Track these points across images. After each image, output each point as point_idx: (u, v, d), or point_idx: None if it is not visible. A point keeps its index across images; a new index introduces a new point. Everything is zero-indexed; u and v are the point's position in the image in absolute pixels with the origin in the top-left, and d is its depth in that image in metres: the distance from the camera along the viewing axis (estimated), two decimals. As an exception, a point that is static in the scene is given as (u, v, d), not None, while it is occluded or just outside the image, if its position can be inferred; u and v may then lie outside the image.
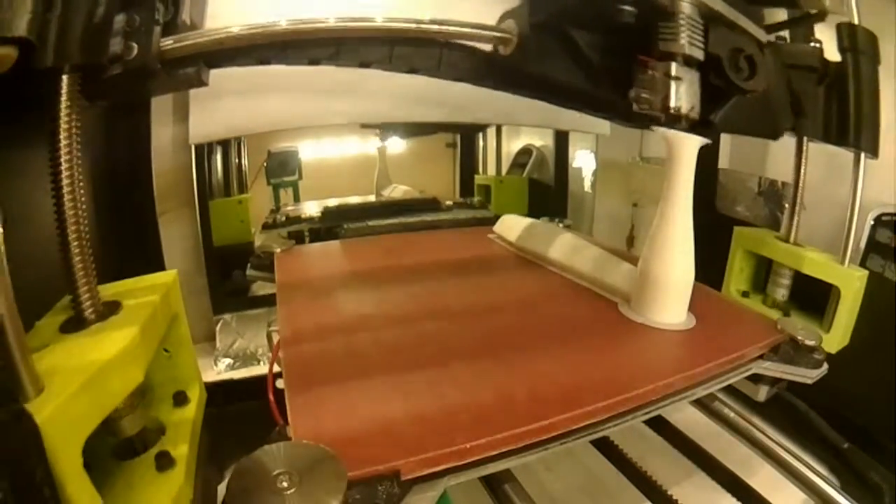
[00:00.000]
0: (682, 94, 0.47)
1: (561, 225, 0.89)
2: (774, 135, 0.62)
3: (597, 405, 0.38)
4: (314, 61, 0.48)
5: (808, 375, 0.50)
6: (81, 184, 0.38)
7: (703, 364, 0.45)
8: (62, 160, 0.37)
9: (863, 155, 0.66)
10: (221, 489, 0.46)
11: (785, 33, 0.67)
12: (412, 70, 0.51)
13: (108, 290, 0.42)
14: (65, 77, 0.37)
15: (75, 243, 0.38)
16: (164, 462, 0.39)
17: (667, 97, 0.46)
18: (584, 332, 0.53)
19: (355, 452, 0.32)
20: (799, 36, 0.67)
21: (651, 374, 0.43)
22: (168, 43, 0.40)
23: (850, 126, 0.64)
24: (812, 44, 0.65)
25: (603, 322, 0.55)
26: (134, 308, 0.40)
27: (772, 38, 0.62)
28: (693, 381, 0.44)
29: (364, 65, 0.49)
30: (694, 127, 0.49)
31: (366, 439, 0.35)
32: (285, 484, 0.29)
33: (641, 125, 0.52)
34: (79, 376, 0.31)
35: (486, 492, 0.43)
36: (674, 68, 0.46)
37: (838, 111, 0.64)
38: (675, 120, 0.48)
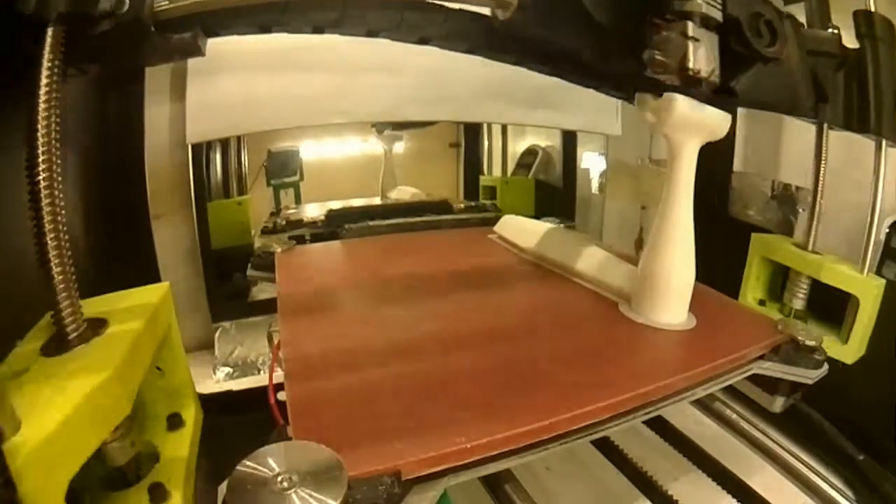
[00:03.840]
0: (701, 56, 0.45)
1: (562, 226, 0.90)
2: (794, 110, 0.62)
3: (597, 405, 0.39)
4: (318, 29, 0.46)
5: (809, 376, 0.51)
6: (59, 168, 0.35)
7: (704, 364, 0.46)
8: (39, 133, 0.34)
9: (884, 144, 0.67)
10: (222, 489, 0.47)
11: (801, 19, 0.67)
12: (422, 40, 0.49)
13: (94, 306, 0.40)
14: (49, 30, 0.34)
15: (55, 252, 0.35)
16: (159, 495, 0.37)
17: (685, 58, 0.44)
18: (585, 332, 0.54)
19: (356, 452, 0.33)
20: (816, 23, 0.68)
21: (651, 374, 0.44)
22: (163, 4, 0.39)
23: (870, 112, 0.65)
24: (830, 30, 0.66)
25: (603, 322, 0.56)
26: (121, 327, 0.38)
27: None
28: (693, 382, 0.45)
29: (371, 33, 0.47)
30: (715, 94, 0.48)
31: (366, 439, 0.36)
32: (285, 484, 0.29)
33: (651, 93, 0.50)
34: (59, 411, 0.29)
35: (486, 492, 0.44)
36: (691, 28, 0.44)
37: (858, 98, 0.65)
38: (693, 83, 0.46)
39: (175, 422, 0.46)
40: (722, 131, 0.51)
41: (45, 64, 0.35)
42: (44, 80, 0.35)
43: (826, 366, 0.52)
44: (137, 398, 0.36)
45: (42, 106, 0.35)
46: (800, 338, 0.51)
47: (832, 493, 0.51)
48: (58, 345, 0.36)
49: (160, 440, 0.44)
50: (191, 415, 0.47)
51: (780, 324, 0.54)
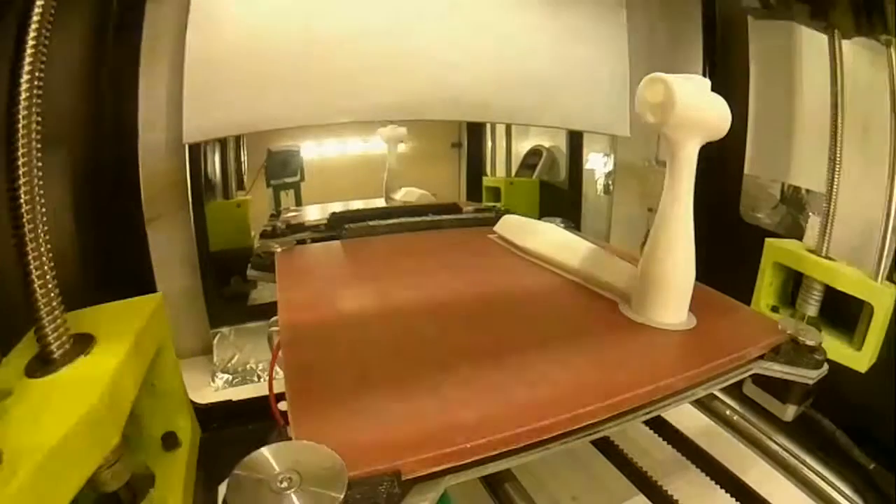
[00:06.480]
0: None
1: (562, 225, 0.90)
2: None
3: (597, 405, 0.40)
4: None
5: (809, 376, 0.52)
6: (40, 170, 0.33)
7: (704, 364, 0.46)
8: (20, 131, 0.32)
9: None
10: (222, 489, 0.45)
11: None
12: None
13: (81, 320, 0.39)
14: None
15: (36, 264, 0.33)
16: (156, 519, 0.36)
17: None
18: (585, 332, 0.55)
19: (356, 452, 0.33)
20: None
21: (651, 374, 0.45)
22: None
23: (877, 9, 0.63)
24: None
25: (603, 322, 0.56)
26: (109, 343, 0.37)
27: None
28: (694, 381, 0.46)
29: None
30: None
31: (366, 439, 0.36)
32: (285, 484, 0.30)
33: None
34: (42, 446, 0.27)
35: (487, 492, 0.44)
36: None
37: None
38: None
39: (170, 442, 0.45)
40: (722, 131, 0.52)
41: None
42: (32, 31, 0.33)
43: (826, 366, 0.52)
44: (130, 416, 0.35)
45: (23, 95, 0.33)
46: (800, 338, 0.52)
47: (812, 477, 0.52)
48: (42, 365, 0.34)
49: (155, 461, 0.43)
50: (187, 434, 0.46)
51: (780, 323, 0.54)
